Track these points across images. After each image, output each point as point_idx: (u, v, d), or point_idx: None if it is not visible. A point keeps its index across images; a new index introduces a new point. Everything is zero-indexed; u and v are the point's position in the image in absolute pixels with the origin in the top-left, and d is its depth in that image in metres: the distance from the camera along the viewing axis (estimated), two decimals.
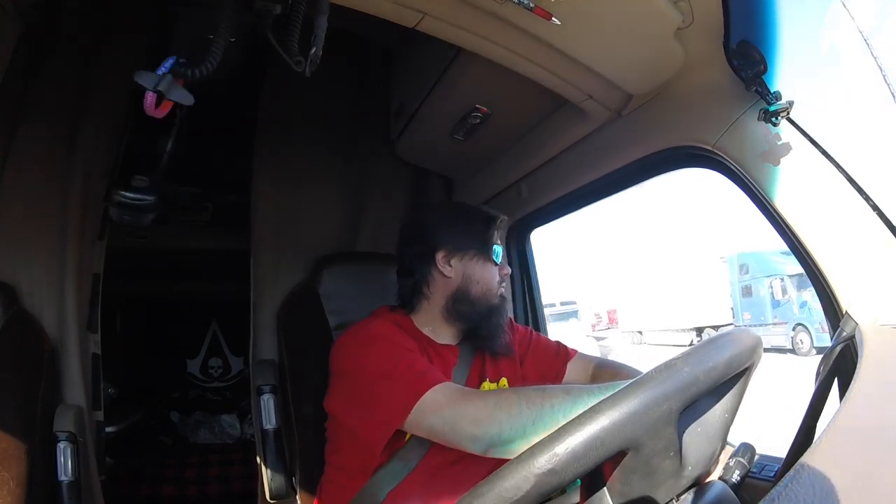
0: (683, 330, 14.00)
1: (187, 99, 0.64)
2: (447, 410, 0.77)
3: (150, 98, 0.63)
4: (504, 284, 1.09)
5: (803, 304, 10.54)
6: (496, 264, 1.06)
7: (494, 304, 1.05)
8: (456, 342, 1.06)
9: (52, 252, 1.22)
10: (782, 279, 11.26)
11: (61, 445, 1.09)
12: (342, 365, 0.96)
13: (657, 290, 15.36)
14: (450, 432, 0.76)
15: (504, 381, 1.07)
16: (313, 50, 0.67)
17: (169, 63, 0.64)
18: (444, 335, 1.06)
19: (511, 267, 1.65)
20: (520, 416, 0.69)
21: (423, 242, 1.07)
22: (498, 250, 1.07)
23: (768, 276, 11.64)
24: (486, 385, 1.04)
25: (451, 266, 1.04)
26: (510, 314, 1.57)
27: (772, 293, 11.46)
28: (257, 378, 1.36)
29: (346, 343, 0.97)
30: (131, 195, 0.77)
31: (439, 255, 1.04)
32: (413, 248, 1.08)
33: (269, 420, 1.32)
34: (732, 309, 12.71)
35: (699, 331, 13.46)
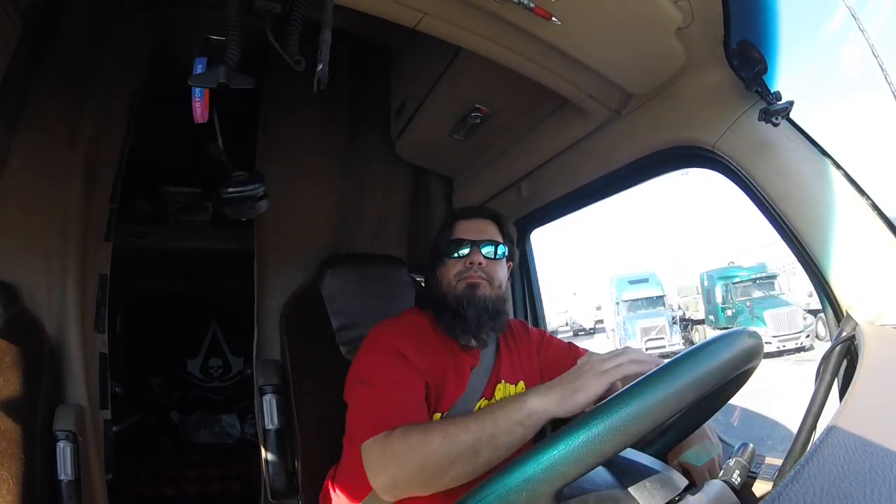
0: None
1: (249, 82, 0.71)
2: (367, 458, 0.83)
3: (199, 107, 0.70)
4: (478, 273, 1.07)
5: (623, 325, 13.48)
6: (457, 258, 1.09)
7: (456, 295, 1.06)
8: (477, 344, 1.08)
9: (53, 252, 1.22)
10: (618, 303, 14.00)
11: (61, 445, 1.09)
12: (356, 359, 1.02)
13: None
14: (369, 478, 0.82)
15: (522, 384, 1.08)
16: (320, 67, 0.68)
17: (201, 63, 0.67)
18: (456, 335, 1.07)
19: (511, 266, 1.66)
20: (407, 466, 0.77)
21: (429, 260, 1.17)
22: (457, 245, 1.09)
23: (616, 301, 14.41)
24: (501, 387, 1.05)
25: (437, 275, 1.13)
26: (511, 314, 1.57)
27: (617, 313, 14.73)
28: (260, 378, 1.36)
29: (364, 345, 1.03)
30: (235, 189, 0.82)
31: (434, 271, 1.14)
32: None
33: (272, 420, 1.32)
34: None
35: None
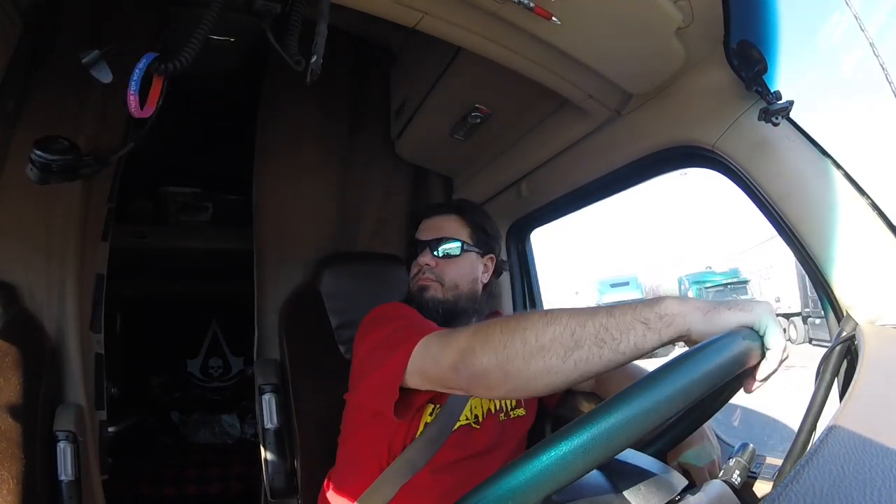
0: None
1: (106, 76, 0.66)
2: (434, 347, 0.75)
3: (133, 100, 0.65)
4: (427, 275, 1.07)
5: None
6: (415, 258, 1.09)
7: (410, 297, 1.08)
8: None
9: (52, 251, 1.23)
10: (598, 304, 14.97)
11: (61, 445, 1.09)
12: (358, 341, 0.99)
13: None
14: (435, 367, 0.74)
15: None
16: (314, 59, 0.67)
17: (147, 59, 0.65)
18: None
19: (511, 266, 1.66)
20: (492, 341, 0.64)
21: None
22: (415, 247, 1.09)
23: (598, 304, 16.05)
24: None
25: None
26: (511, 312, 1.57)
27: None
28: (259, 377, 1.36)
29: (363, 324, 1.00)
30: (41, 154, 0.77)
31: None
32: None
33: (271, 419, 1.32)
34: None
35: None
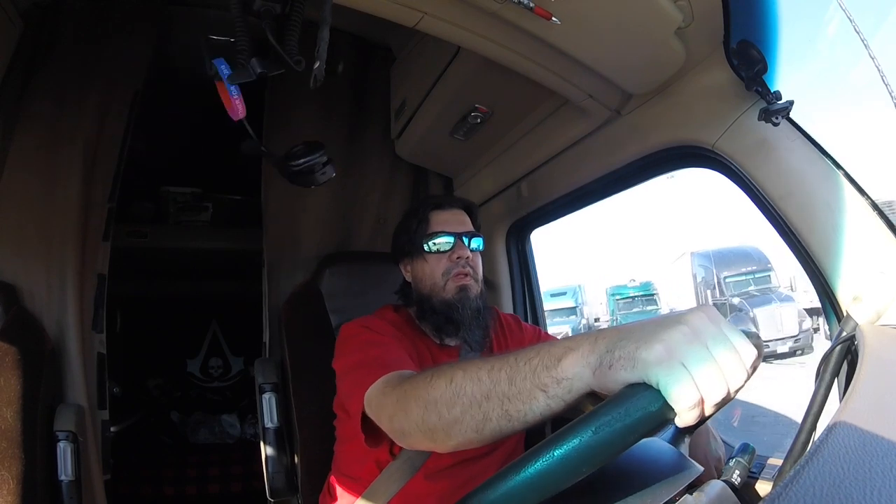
0: None
1: (280, 66, 0.71)
2: (374, 406, 0.74)
3: (239, 104, 0.73)
4: (466, 269, 1.01)
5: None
6: (440, 252, 1.02)
7: (446, 299, 1.00)
8: (455, 343, 1.05)
9: (52, 252, 1.22)
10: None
11: (62, 445, 1.09)
12: (334, 361, 0.97)
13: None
14: (381, 425, 0.74)
15: None
16: (317, 64, 0.68)
17: (223, 64, 0.70)
18: (443, 336, 1.06)
19: (511, 266, 1.66)
20: (411, 415, 0.63)
21: (394, 252, 1.13)
22: (439, 239, 1.02)
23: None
24: None
25: (408, 271, 1.09)
26: (511, 312, 1.57)
27: None
28: (259, 377, 1.36)
29: (338, 341, 0.99)
30: (302, 160, 0.92)
31: (401, 265, 1.11)
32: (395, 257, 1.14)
33: (271, 419, 1.32)
34: None
35: None
